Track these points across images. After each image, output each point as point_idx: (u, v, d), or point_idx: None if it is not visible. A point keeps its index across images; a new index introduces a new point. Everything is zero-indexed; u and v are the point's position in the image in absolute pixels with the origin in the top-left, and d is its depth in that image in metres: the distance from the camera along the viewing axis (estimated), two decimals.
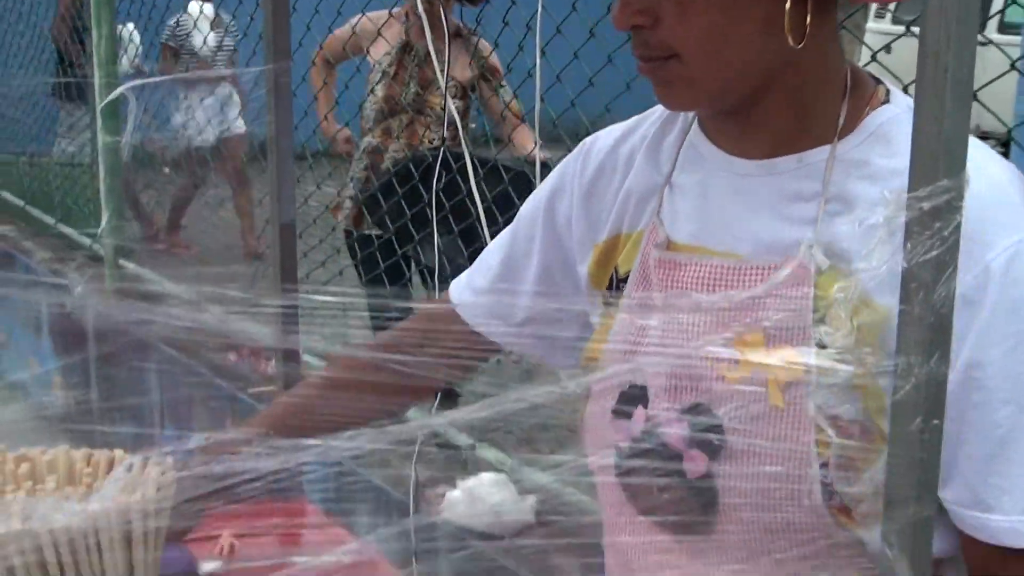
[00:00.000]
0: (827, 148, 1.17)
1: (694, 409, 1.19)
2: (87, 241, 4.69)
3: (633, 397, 1.25)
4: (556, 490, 2.40)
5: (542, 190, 1.45)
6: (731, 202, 1.22)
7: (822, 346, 1.11)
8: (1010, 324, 1.05)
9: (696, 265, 1.22)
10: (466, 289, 1.51)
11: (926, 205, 0.83)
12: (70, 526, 0.65)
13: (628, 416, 1.25)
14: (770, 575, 1.18)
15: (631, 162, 1.33)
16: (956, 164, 0.83)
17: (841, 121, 1.18)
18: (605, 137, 1.39)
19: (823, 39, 1.16)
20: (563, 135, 3.21)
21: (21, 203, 5.91)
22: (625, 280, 1.30)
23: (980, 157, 1.10)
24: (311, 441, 0.80)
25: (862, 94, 1.20)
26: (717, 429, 1.17)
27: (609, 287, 1.33)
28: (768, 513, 1.15)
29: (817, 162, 1.17)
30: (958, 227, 0.84)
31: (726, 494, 1.17)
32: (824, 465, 1.12)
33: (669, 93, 1.20)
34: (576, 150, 1.42)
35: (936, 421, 0.88)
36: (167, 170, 6.70)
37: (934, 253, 0.83)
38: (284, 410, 1.53)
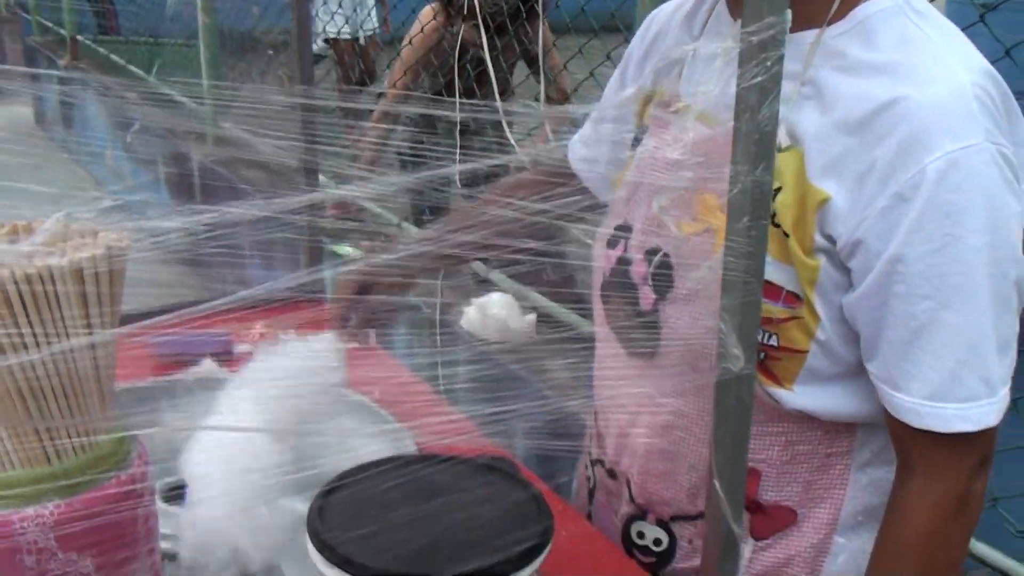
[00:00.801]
0: (815, 31, 1.06)
1: (654, 252, 1.17)
2: (192, 104, 4.74)
3: (623, 231, 1.24)
4: (552, 309, 2.45)
5: (624, 56, 1.40)
6: (730, 71, 1.10)
7: (772, 214, 1.05)
8: (938, 227, 0.98)
9: (680, 127, 1.14)
10: (577, 139, 1.46)
11: (754, 39, 0.83)
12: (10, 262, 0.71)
13: (615, 246, 1.24)
14: (691, 402, 1.17)
15: (676, 27, 1.27)
16: (779, 3, 0.83)
17: (834, 6, 1.05)
18: (668, 5, 1.32)
19: None
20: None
21: (144, 74, 5.97)
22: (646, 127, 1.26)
23: (956, 64, 1.02)
24: (208, 207, 0.82)
25: None
26: (667, 272, 1.15)
27: (637, 133, 1.28)
28: (696, 353, 1.12)
29: (804, 44, 1.06)
30: (781, 58, 0.84)
31: (666, 328, 1.15)
32: None
33: None
34: (648, 17, 1.36)
35: (763, 221, 0.89)
36: (271, 51, 6.63)
37: (759, 79, 0.84)
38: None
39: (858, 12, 1.06)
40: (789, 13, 0.83)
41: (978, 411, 1.01)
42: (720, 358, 0.94)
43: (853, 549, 1.18)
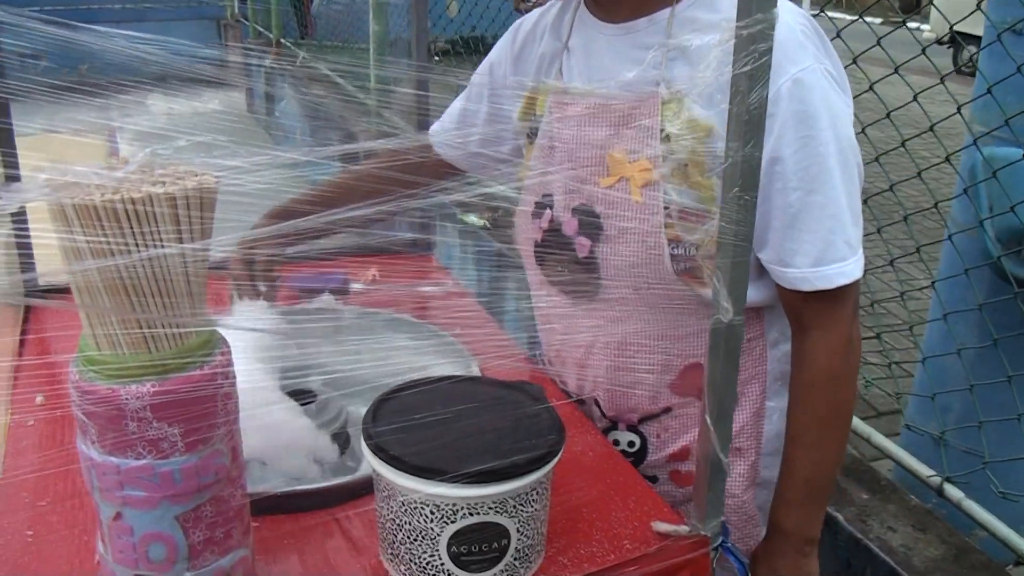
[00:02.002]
0: (669, 9, 1.15)
1: (580, 208, 1.22)
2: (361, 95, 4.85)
3: (544, 202, 1.28)
4: None
5: (487, 61, 1.45)
6: (605, 55, 1.21)
7: (666, 157, 1.13)
8: (797, 131, 1.07)
9: (578, 103, 1.23)
10: (439, 128, 1.52)
11: (745, 32, 0.82)
12: (110, 183, 0.75)
13: (540, 216, 1.28)
14: (637, 320, 1.22)
15: (544, 33, 1.33)
16: (767, 2, 0.81)
17: None
18: (529, 18, 1.39)
19: None
20: None
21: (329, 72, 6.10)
22: (541, 118, 1.30)
23: (781, 11, 1.07)
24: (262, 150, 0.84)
25: None
26: (595, 221, 1.20)
27: (531, 125, 1.33)
28: (634, 278, 1.18)
29: (662, 20, 1.15)
30: (770, 49, 0.82)
31: (604, 266, 1.20)
32: (670, 241, 1.14)
33: None
34: (510, 29, 1.42)
35: (751, 193, 0.88)
36: (437, 58, 6.71)
37: (749, 67, 0.82)
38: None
39: None
40: (776, 11, 0.81)
41: (849, 267, 1.11)
42: (713, 309, 0.94)
43: (780, 408, 1.25)
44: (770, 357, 1.26)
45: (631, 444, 1.31)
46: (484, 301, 1.66)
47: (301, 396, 1.27)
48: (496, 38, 1.46)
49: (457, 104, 1.51)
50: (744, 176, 0.86)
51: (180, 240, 0.80)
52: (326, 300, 1.61)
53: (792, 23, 1.10)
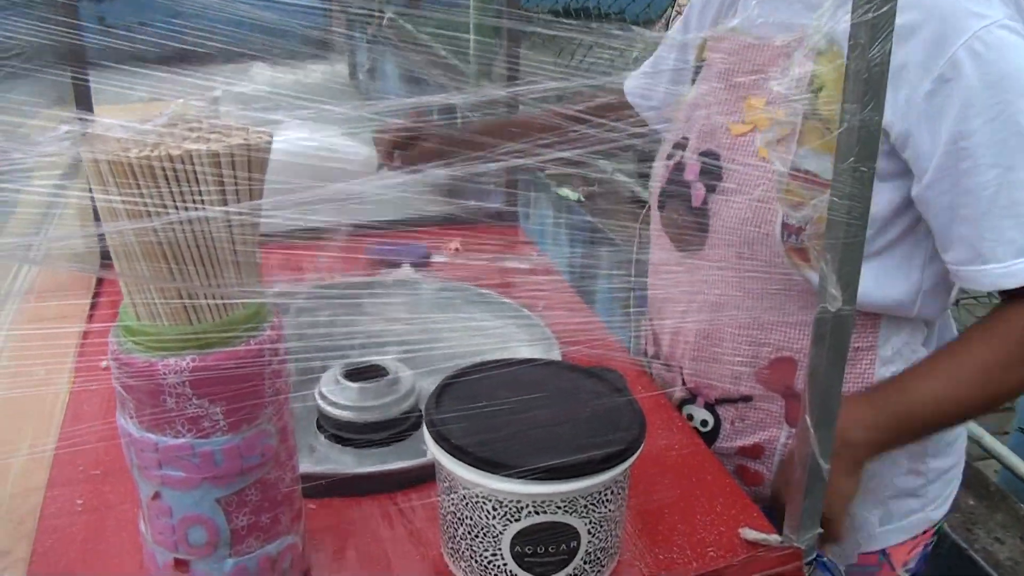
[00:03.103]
0: None
1: (706, 152, 1.13)
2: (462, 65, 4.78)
3: (680, 145, 1.19)
4: None
5: (687, 8, 1.35)
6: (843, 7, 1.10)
7: (815, 111, 0.99)
8: (991, 97, 0.91)
9: (732, 42, 1.13)
10: (632, 77, 1.45)
11: None
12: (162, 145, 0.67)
13: (672, 158, 1.20)
14: (736, 292, 1.12)
15: None
16: None
17: None
18: None
19: None
20: None
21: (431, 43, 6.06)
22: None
23: None
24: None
25: None
26: (716, 169, 1.10)
27: (698, 66, 1.24)
28: (740, 238, 1.07)
29: None
30: None
31: (714, 219, 1.10)
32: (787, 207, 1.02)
33: None
34: None
35: (868, 165, 0.75)
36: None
37: (870, 16, 0.70)
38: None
39: None
40: None
41: None
42: (819, 296, 0.82)
43: None
44: (878, 376, 1.09)
45: (704, 423, 1.20)
46: (575, 278, 1.56)
47: (371, 372, 1.19)
48: (599, 8, 1.38)
49: (652, 56, 1.44)
50: (862, 143, 0.74)
51: (224, 202, 0.72)
52: (405, 271, 1.54)
53: None
